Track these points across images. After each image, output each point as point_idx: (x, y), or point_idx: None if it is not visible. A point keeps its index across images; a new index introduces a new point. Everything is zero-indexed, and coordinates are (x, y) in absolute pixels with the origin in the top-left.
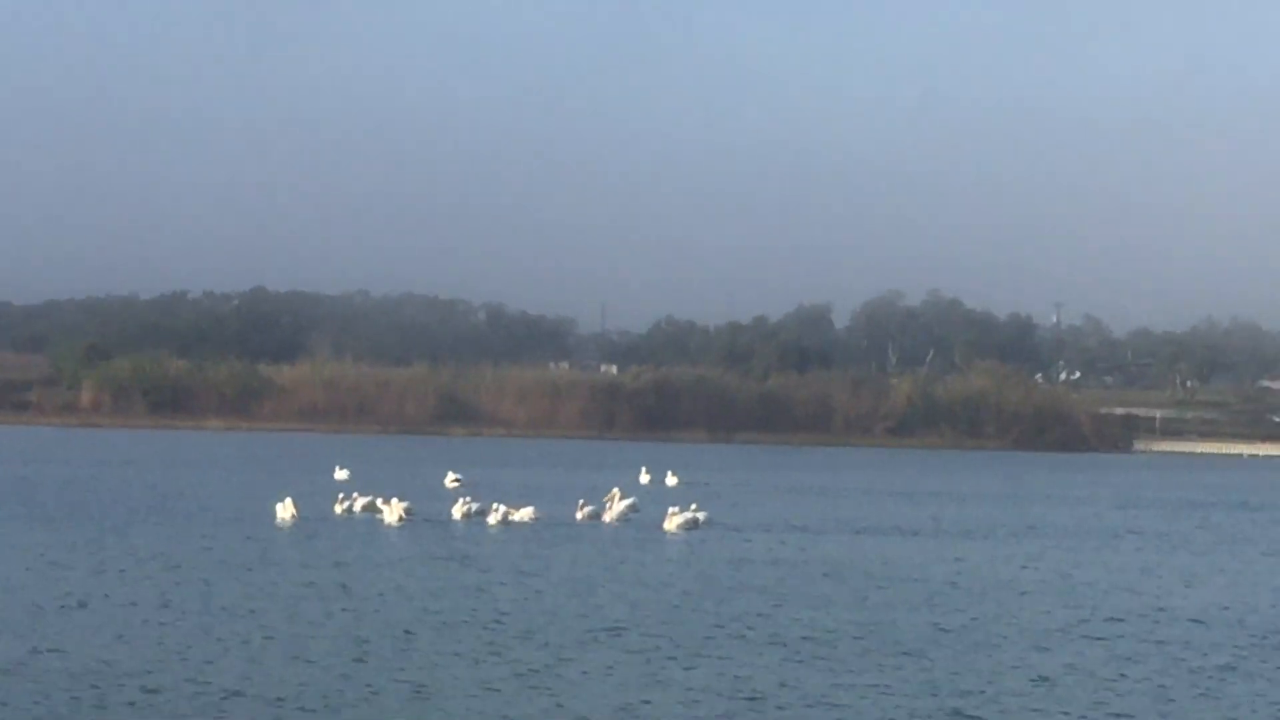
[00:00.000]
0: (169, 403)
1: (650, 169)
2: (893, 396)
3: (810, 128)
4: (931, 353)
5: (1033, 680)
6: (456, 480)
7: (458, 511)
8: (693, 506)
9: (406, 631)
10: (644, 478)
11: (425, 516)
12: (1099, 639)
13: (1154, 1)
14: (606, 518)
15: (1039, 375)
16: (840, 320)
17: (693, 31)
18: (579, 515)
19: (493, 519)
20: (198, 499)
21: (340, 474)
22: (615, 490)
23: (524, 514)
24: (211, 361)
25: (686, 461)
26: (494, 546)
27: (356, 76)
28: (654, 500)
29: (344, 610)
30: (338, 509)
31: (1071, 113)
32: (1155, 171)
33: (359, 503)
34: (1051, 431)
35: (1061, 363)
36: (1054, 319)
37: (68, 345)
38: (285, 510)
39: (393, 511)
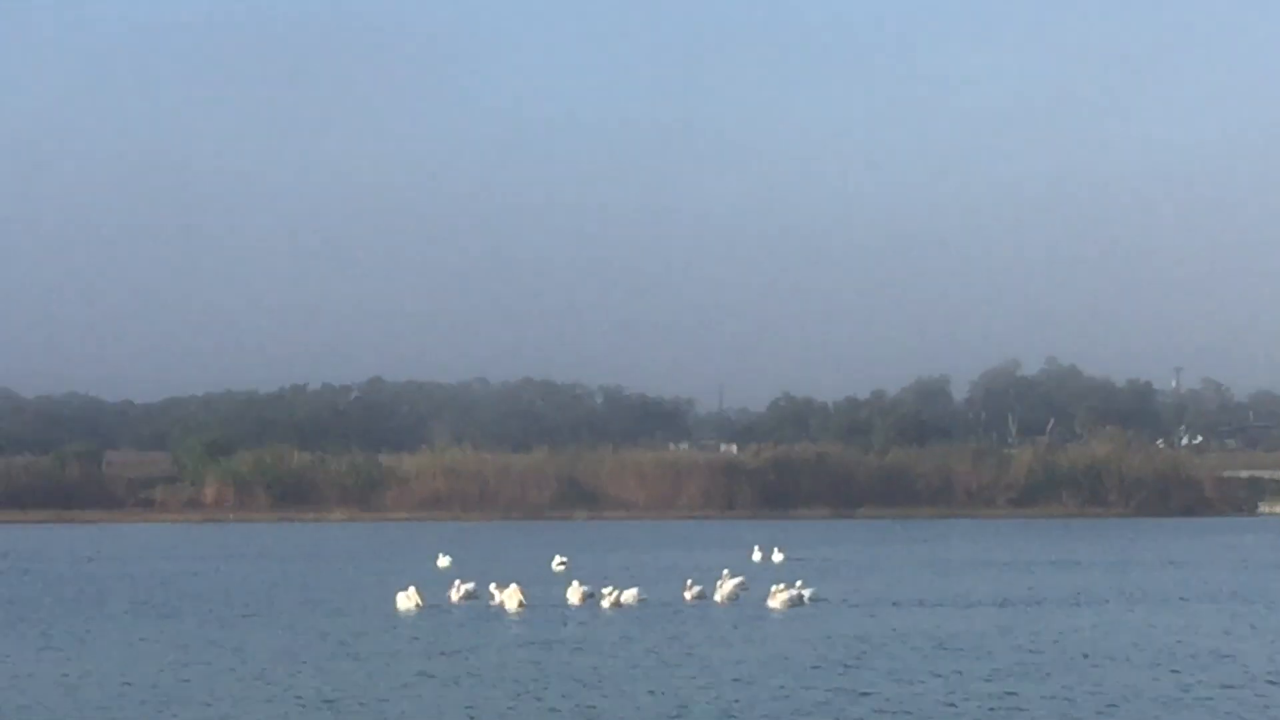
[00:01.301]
0: (291, 495)
1: (761, 246)
2: (1014, 467)
3: (920, 200)
4: (1051, 421)
5: None
6: (563, 563)
7: (575, 595)
8: (798, 583)
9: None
10: (756, 555)
11: (542, 602)
12: (1201, 704)
13: (1261, 56)
14: (717, 597)
15: (1160, 440)
16: (959, 392)
17: (793, 103)
18: (687, 595)
19: (606, 602)
20: (313, 590)
21: (442, 561)
22: (725, 570)
23: (629, 596)
24: (332, 453)
25: (806, 538)
26: (593, 629)
27: (467, 165)
28: (765, 578)
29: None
30: (454, 596)
31: (1182, 174)
32: (1270, 231)
33: (462, 589)
34: (1175, 497)
35: (1183, 427)
36: (1173, 384)
37: (189, 442)
38: (409, 599)
39: (512, 597)
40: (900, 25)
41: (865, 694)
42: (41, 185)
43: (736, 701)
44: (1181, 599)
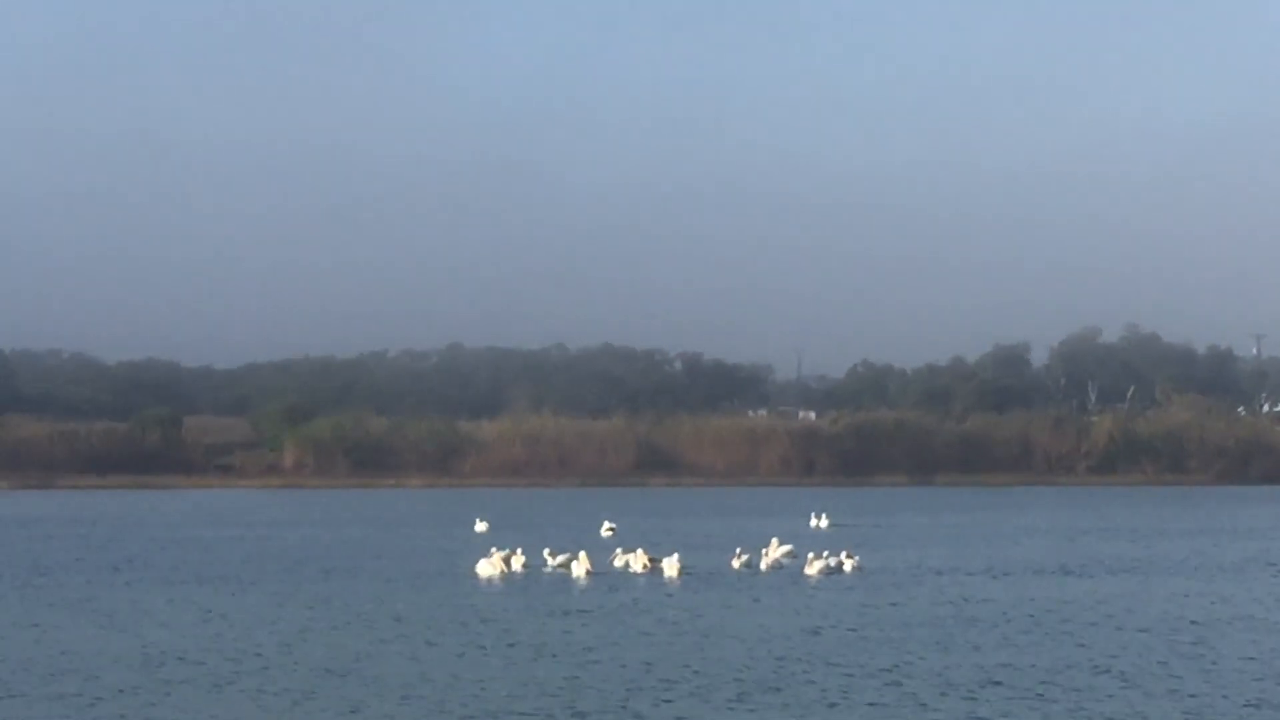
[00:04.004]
0: (370, 461)
1: (839, 212)
2: (1093, 434)
3: (998, 167)
4: (1132, 389)
5: None
6: (611, 529)
7: (637, 563)
8: (842, 552)
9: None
10: (813, 522)
11: (609, 570)
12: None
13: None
14: (762, 565)
15: (1241, 408)
16: (1038, 359)
17: (862, 69)
18: (735, 564)
19: (671, 570)
20: (370, 555)
21: (480, 527)
22: (774, 539)
23: (670, 563)
24: (411, 419)
25: (880, 505)
26: (612, 596)
27: (543, 131)
28: (816, 546)
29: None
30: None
31: (1262, 139)
32: None
33: (496, 557)
34: (1256, 464)
35: (1264, 395)
36: (1254, 351)
37: (269, 407)
38: (492, 566)
39: (580, 565)
40: None
41: (864, 666)
42: (123, 156)
43: (717, 671)
44: (1234, 567)
